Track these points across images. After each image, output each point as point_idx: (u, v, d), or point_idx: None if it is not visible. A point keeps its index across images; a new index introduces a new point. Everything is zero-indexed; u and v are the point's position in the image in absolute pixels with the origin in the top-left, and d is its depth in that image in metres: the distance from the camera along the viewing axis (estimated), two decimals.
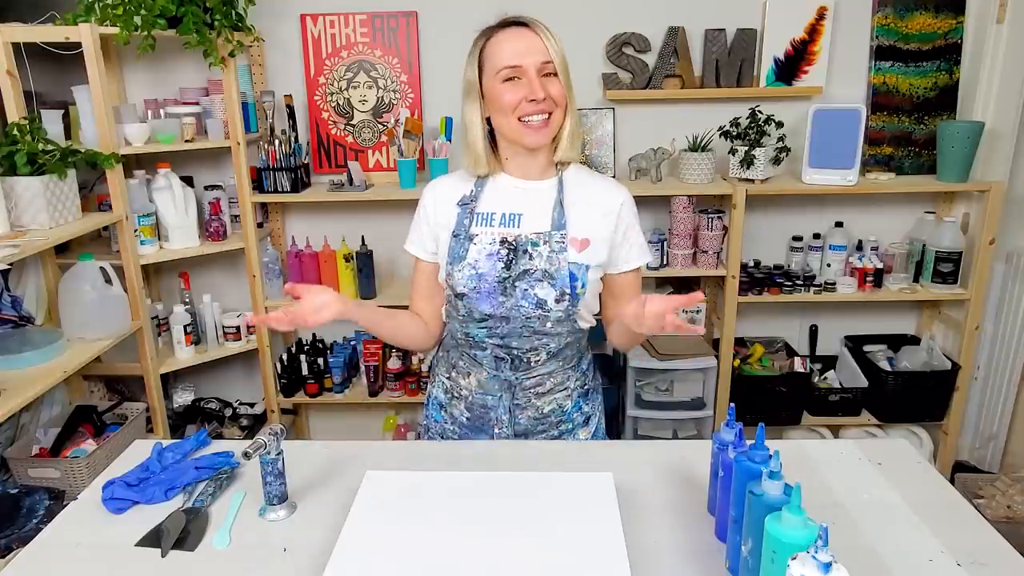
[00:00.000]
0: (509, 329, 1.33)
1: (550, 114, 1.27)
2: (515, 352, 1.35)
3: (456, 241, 1.33)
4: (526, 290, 1.29)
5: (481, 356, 1.38)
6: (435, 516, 1.07)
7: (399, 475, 1.18)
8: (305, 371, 2.73)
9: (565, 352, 1.39)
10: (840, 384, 2.74)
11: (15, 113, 2.09)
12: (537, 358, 1.36)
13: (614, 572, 0.94)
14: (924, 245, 2.60)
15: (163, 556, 1.06)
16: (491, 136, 1.35)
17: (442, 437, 1.49)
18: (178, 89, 2.63)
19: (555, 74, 1.26)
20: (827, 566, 0.74)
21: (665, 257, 2.61)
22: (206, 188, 2.63)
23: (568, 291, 1.29)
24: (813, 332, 2.88)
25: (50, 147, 2.07)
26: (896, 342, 2.82)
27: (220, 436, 2.67)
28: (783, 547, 0.80)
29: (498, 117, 1.29)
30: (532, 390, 1.39)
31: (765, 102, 2.58)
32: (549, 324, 1.32)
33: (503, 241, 1.31)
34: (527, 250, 1.30)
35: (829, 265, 2.66)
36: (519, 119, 1.27)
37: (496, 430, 1.41)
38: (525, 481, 1.16)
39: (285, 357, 2.76)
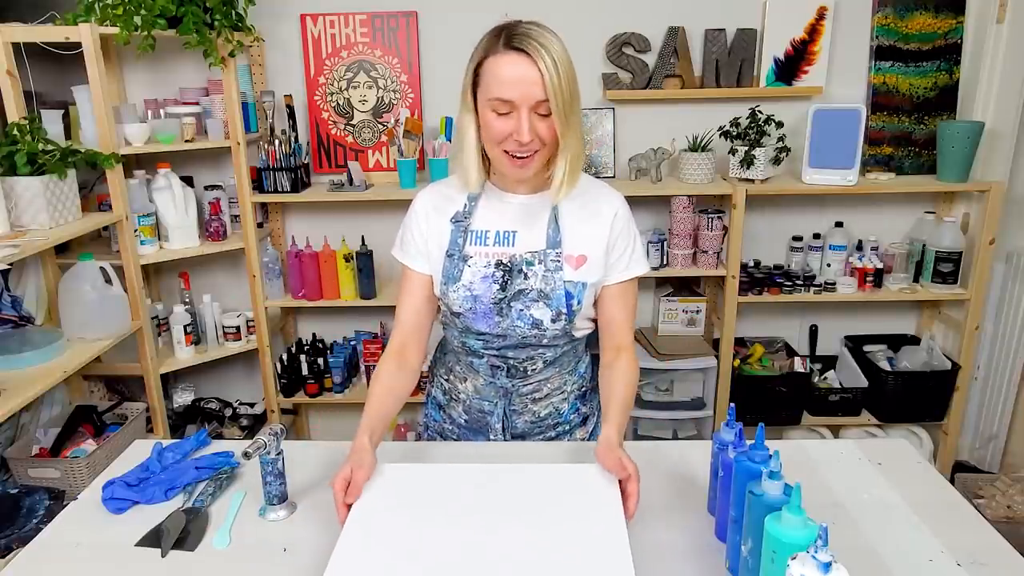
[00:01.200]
0: (505, 343, 1.33)
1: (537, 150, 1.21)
2: (511, 361, 1.35)
3: (450, 261, 1.31)
4: (521, 310, 1.28)
5: (477, 364, 1.38)
6: (437, 512, 1.07)
7: (400, 467, 1.18)
8: (305, 371, 2.73)
9: (562, 360, 1.39)
10: (840, 384, 2.74)
11: (15, 113, 2.09)
12: (533, 367, 1.36)
13: (618, 565, 0.94)
14: (924, 245, 2.60)
15: (163, 556, 1.06)
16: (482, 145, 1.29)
17: (441, 436, 1.49)
18: (178, 89, 2.63)
19: (549, 115, 1.17)
20: (827, 566, 0.74)
21: (665, 257, 2.61)
22: (206, 188, 2.63)
23: (564, 310, 1.27)
24: (813, 332, 2.88)
25: (50, 147, 2.07)
26: (896, 342, 2.82)
27: (220, 436, 2.67)
28: (783, 547, 0.80)
29: (486, 139, 1.24)
30: (529, 396, 1.39)
31: (765, 102, 2.58)
32: (546, 340, 1.32)
33: (498, 263, 1.29)
34: (522, 269, 1.28)
35: (829, 265, 2.66)
36: (504, 150, 1.21)
37: (492, 436, 1.41)
38: (528, 473, 1.16)
39: (285, 357, 2.76)
